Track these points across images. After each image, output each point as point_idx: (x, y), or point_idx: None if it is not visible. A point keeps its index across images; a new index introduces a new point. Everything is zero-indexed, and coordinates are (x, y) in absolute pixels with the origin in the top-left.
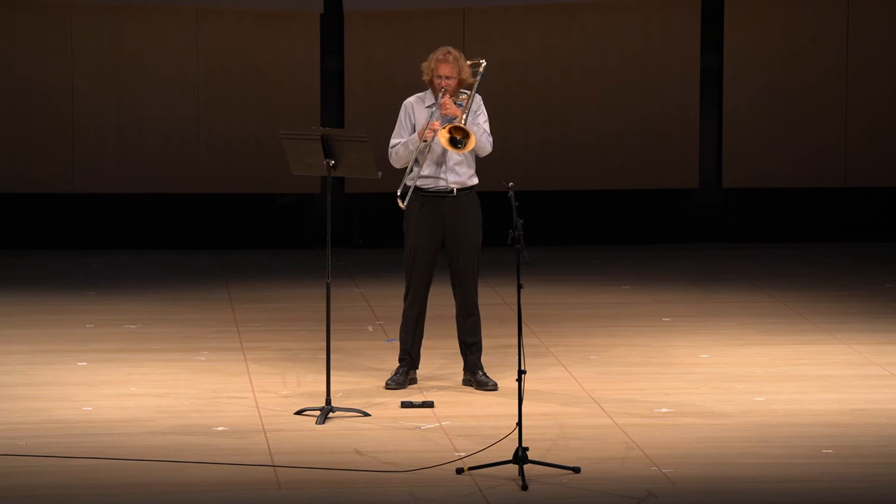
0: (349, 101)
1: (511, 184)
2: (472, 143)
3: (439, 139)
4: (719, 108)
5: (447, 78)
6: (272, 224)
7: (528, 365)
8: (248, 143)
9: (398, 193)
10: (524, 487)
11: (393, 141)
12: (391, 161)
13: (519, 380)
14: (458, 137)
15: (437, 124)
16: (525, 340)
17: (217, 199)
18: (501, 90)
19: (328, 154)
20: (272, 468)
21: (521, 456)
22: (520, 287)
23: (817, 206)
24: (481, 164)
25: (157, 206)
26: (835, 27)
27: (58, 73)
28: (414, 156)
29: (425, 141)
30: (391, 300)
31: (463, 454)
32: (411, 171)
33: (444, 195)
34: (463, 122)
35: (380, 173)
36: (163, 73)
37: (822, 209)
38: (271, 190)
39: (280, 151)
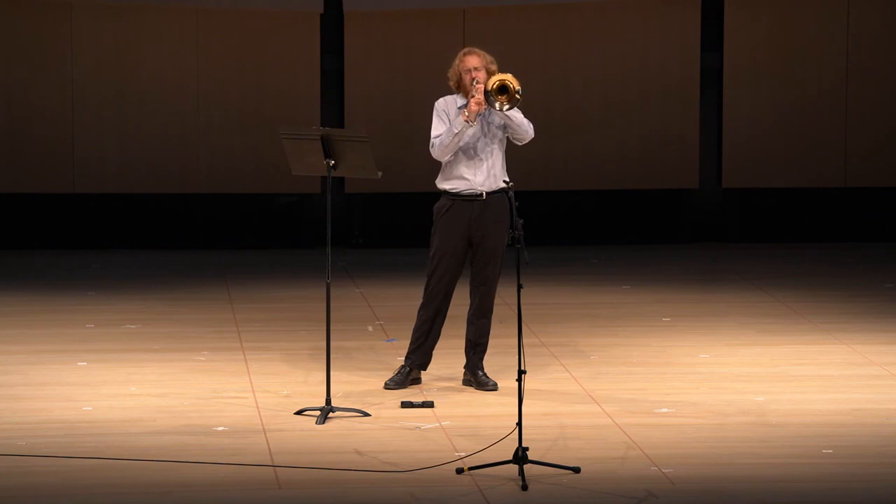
0: (349, 101)
1: (511, 184)
2: (516, 84)
3: (486, 86)
4: (719, 108)
5: (476, 69)
6: (272, 224)
7: (528, 365)
8: (248, 143)
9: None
10: (524, 487)
11: (434, 133)
12: (434, 154)
13: (519, 380)
14: (503, 88)
15: (480, 97)
16: (525, 340)
17: (217, 199)
18: None
19: (328, 154)
20: (272, 468)
21: (521, 456)
22: (520, 287)
23: (817, 206)
24: None
25: (157, 206)
26: (835, 27)
27: (58, 74)
28: (459, 139)
29: (467, 121)
30: (391, 300)
31: (463, 454)
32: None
33: (473, 199)
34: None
35: (380, 173)
36: (163, 74)
37: (822, 209)
38: (271, 190)
39: (280, 151)
